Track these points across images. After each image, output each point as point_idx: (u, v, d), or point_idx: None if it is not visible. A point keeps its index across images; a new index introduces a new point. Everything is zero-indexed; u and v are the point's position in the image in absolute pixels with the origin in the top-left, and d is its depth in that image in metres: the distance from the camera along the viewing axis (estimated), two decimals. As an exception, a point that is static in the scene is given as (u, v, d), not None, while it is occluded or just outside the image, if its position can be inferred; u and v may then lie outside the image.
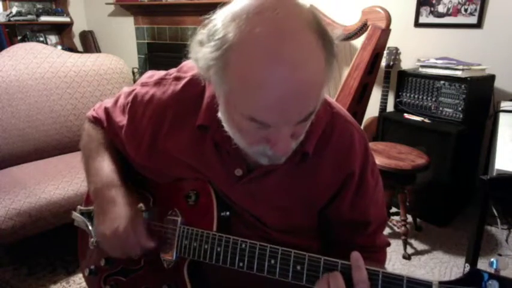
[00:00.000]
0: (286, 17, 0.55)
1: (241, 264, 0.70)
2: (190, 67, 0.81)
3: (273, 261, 0.68)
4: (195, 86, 0.77)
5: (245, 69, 0.54)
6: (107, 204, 0.80)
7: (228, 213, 0.78)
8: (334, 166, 0.75)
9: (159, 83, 0.82)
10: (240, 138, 0.64)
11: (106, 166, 0.85)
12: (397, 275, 0.59)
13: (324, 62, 0.57)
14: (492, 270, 0.55)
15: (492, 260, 0.55)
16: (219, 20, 0.58)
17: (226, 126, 0.65)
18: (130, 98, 0.85)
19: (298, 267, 0.66)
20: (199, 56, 0.59)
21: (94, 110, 0.95)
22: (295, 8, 0.57)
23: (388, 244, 0.88)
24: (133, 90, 0.86)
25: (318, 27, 0.57)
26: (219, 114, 0.66)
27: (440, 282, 0.56)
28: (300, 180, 0.76)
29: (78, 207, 0.96)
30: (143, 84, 0.85)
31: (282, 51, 0.53)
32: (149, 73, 0.88)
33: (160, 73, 0.85)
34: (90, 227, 0.90)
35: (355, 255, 0.62)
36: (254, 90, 0.54)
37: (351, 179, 0.76)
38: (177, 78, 0.81)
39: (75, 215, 0.94)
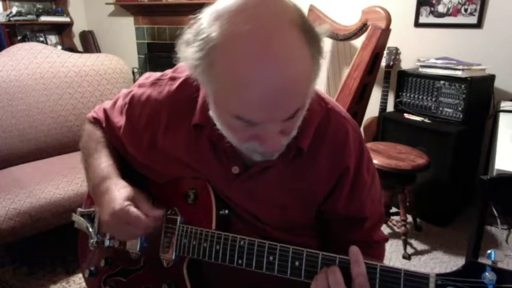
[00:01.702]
0: (270, 15, 0.55)
1: (240, 261, 0.71)
2: (185, 68, 0.81)
3: (271, 258, 0.68)
4: (190, 86, 0.77)
5: (229, 69, 0.55)
6: (103, 195, 0.80)
7: (226, 211, 0.79)
8: (330, 162, 0.76)
9: (155, 83, 0.83)
10: (231, 136, 0.65)
11: (103, 162, 0.86)
12: (395, 268, 0.60)
13: (309, 58, 0.57)
14: (489, 262, 0.55)
15: (489, 251, 0.55)
16: (204, 19, 0.58)
17: (218, 125, 0.66)
18: (127, 99, 0.86)
19: (297, 263, 0.66)
20: (186, 56, 0.60)
21: (94, 111, 0.96)
22: (279, 5, 0.57)
23: (387, 239, 0.88)
24: (130, 92, 0.87)
25: (302, 23, 0.56)
26: (211, 113, 0.66)
27: (438, 275, 0.57)
28: (297, 176, 0.76)
29: (78, 209, 0.96)
30: (140, 85, 0.86)
31: (265, 49, 0.53)
32: (146, 74, 0.89)
33: (157, 74, 0.86)
34: (90, 229, 0.91)
35: (354, 250, 0.62)
36: (239, 89, 0.55)
37: (346, 175, 0.77)
38: (173, 79, 0.81)
39: (75, 216, 0.94)
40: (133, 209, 0.76)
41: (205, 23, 0.57)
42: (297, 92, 0.57)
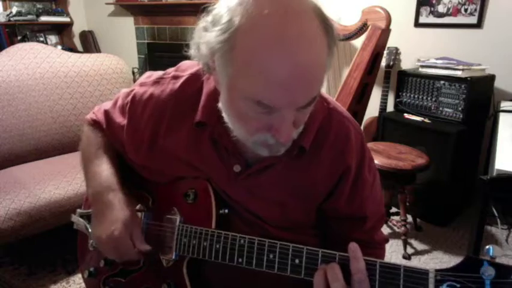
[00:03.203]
0: (293, 1, 0.57)
1: (240, 260, 0.71)
2: (188, 66, 0.82)
3: (271, 256, 0.68)
4: (192, 84, 0.77)
5: (252, 51, 0.55)
6: (105, 208, 0.80)
7: (226, 210, 0.79)
8: (331, 161, 0.76)
9: (157, 82, 0.83)
10: (241, 127, 0.64)
11: (104, 170, 0.85)
12: (394, 264, 0.60)
13: (326, 47, 0.59)
14: (488, 258, 0.55)
15: (488, 247, 0.55)
16: (224, 5, 0.59)
17: (227, 116, 0.66)
18: (129, 98, 0.85)
19: (297, 261, 0.66)
20: (204, 41, 0.60)
21: (93, 112, 0.95)
22: None
23: (387, 240, 0.89)
24: (132, 91, 0.86)
25: (320, 13, 0.59)
26: (220, 105, 0.66)
27: (437, 270, 0.57)
28: (298, 175, 0.76)
29: (78, 210, 0.96)
30: (142, 84, 0.85)
31: (289, 33, 0.54)
32: (147, 73, 0.88)
33: (159, 73, 0.85)
34: (89, 230, 0.91)
35: (353, 246, 0.62)
36: (261, 72, 0.55)
37: (348, 174, 0.77)
38: (175, 77, 0.81)
39: (75, 218, 0.94)
40: (129, 242, 0.77)
41: (226, 9, 0.58)
42: (316, 77, 0.59)
